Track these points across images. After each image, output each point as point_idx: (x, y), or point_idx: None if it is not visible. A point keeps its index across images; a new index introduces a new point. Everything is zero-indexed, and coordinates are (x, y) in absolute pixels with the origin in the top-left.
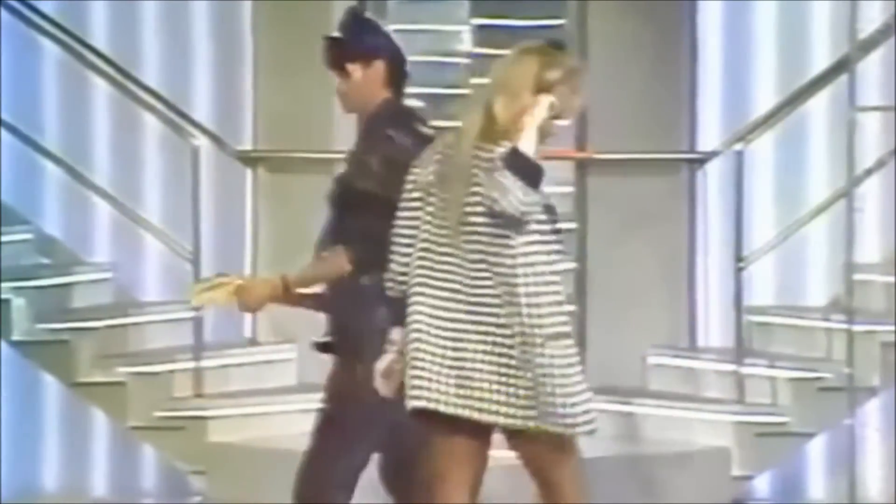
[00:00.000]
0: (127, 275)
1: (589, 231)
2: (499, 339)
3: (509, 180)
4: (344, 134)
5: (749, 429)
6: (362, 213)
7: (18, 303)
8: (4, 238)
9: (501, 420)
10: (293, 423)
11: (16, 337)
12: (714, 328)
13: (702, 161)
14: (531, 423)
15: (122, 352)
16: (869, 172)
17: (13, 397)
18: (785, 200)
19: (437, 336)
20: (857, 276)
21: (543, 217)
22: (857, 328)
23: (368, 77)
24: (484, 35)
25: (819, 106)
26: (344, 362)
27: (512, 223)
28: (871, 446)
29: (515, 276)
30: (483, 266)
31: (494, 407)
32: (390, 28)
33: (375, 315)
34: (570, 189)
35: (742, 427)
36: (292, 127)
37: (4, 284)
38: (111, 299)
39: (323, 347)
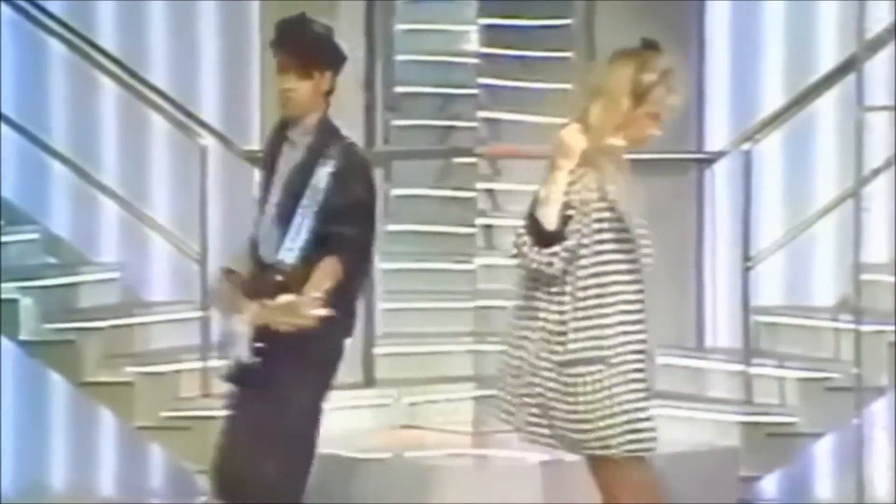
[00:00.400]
0: (134, 275)
1: None
2: (538, 363)
3: (524, 242)
4: (350, 132)
5: (757, 429)
6: (351, 223)
7: (25, 302)
8: (12, 238)
9: (530, 438)
10: None
11: (23, 337)
12: (722, 328)
13: (709, 161)
14: (548, 441)
15: (129, 352)
16: (877, 172)
17: (20, 397)
18: (793, 200)
19: (512, 350)
20: (865, 276)
21: (610, 247)
22: (865, 328)
23: (324, 86)
24: (491, 35)
25: (827, 105)
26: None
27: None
28: (879, 446)
29: (563, 302)
30: (535, 287)
31: (531, 427)
32: (399, 28)
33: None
34: None
35: (750, 427)
36: None
37: (12, 284)
38: (118, 299)
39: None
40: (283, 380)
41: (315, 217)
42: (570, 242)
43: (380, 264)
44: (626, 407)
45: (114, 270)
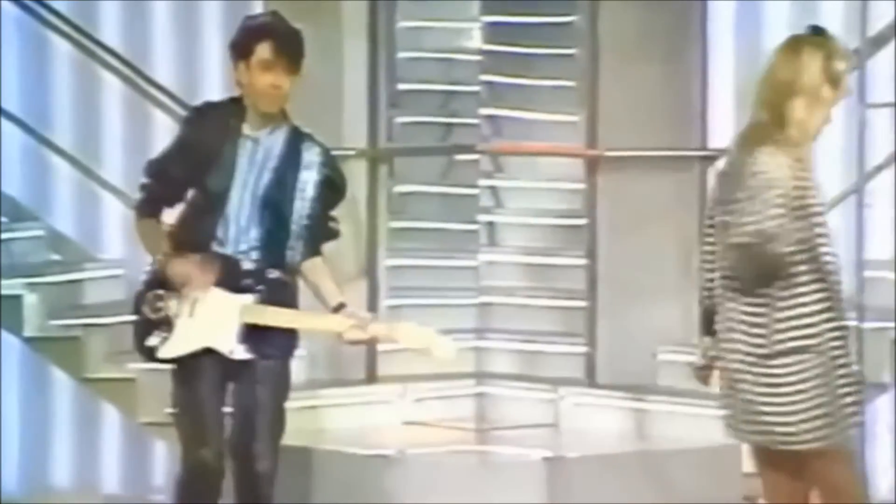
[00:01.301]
0: (137, 271)
1: (599, 227)
2: (743, 358)
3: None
4: (352, 131)
5: None
6: (334, 216)
7: (30, 299)
8: (16, 234)
9: (732, 433)
10: (303, 419)
11: (28, 333)
12: None
13: (713, 158)
14: (755, 438)
15: (133, 348)
16: (879, 169)
17: (25, 392)
18: None
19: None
20: (868, 273)
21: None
22: (867, 325)
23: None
24: (494, 32)
25: None
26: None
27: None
28: (881, 443)
29: (765, 294)
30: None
31: (733, 422)
32: (402, 25)
33: None
34: (581, 185)
35: None
36: (303, 123)
37: (16, 281)
38: (122, 296)
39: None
40: (282, 372)
41: (310, 212)
42: (803, 235)
43: (383, 261)
44: (832, 395)
45: (118, 267)
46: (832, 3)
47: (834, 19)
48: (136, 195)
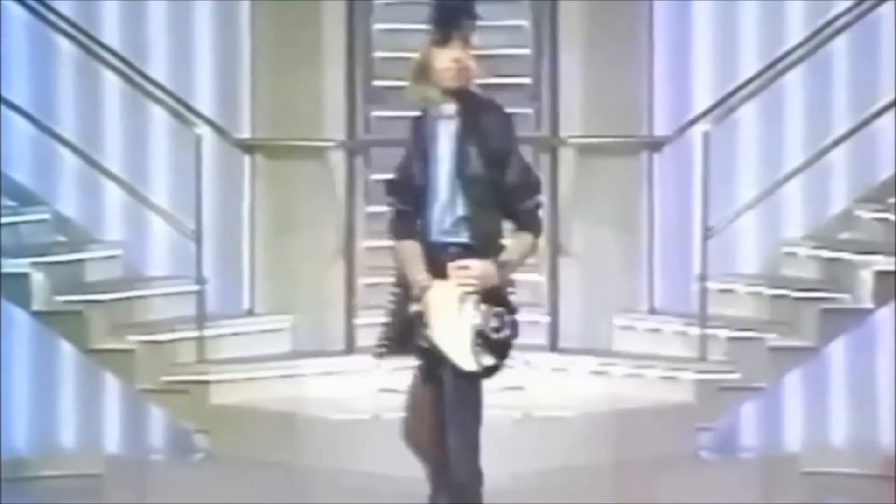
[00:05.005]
0: (135, 252)
1: (561, 207)
2: None
3: None
4: (333, 123)
5: (709, 385)
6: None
7: (37, 277)
8: (25, 218)
9: None
10: (287, 387)
11: (35, 308)
12: (670, 293)
13: (659, 145)
14: None
15: (131, 322)
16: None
17: (33, 362)
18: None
19: None
20: (785, 249)
21: None
22: (796, 294)
23: None
24: None
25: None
26: None
27: None
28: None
29: None
30: None
31: None
32: (377, 27)
33: None
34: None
35: (702, 383)
36: (287, 116)
37: (25, 260)
38: (121, 274)
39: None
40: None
41: (499, 180)
42: None
43: (361, 242)
44: None
45: (117, 248)
46: (750, 22)
47: (751, 34)
48: (388, 216)
